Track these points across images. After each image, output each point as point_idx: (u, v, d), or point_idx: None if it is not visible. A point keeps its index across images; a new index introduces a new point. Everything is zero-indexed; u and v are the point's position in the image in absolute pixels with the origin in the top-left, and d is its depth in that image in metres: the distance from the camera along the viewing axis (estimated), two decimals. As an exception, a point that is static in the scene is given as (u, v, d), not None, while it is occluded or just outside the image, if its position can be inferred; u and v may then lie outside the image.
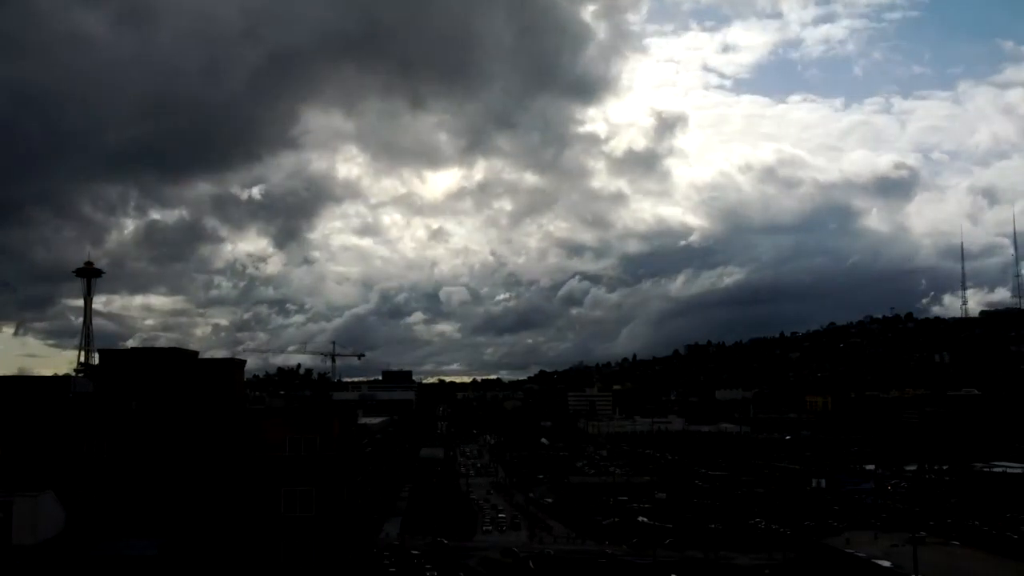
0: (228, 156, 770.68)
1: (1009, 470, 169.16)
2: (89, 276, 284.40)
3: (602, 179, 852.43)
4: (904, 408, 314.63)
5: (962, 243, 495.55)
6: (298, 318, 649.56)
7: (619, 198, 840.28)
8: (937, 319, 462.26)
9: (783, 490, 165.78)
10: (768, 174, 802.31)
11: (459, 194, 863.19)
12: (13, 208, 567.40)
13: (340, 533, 46.22)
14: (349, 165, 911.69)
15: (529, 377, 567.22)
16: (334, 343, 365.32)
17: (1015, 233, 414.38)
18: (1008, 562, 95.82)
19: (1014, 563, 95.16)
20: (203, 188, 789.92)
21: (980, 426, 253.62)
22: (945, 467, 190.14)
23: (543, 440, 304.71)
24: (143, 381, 51.96)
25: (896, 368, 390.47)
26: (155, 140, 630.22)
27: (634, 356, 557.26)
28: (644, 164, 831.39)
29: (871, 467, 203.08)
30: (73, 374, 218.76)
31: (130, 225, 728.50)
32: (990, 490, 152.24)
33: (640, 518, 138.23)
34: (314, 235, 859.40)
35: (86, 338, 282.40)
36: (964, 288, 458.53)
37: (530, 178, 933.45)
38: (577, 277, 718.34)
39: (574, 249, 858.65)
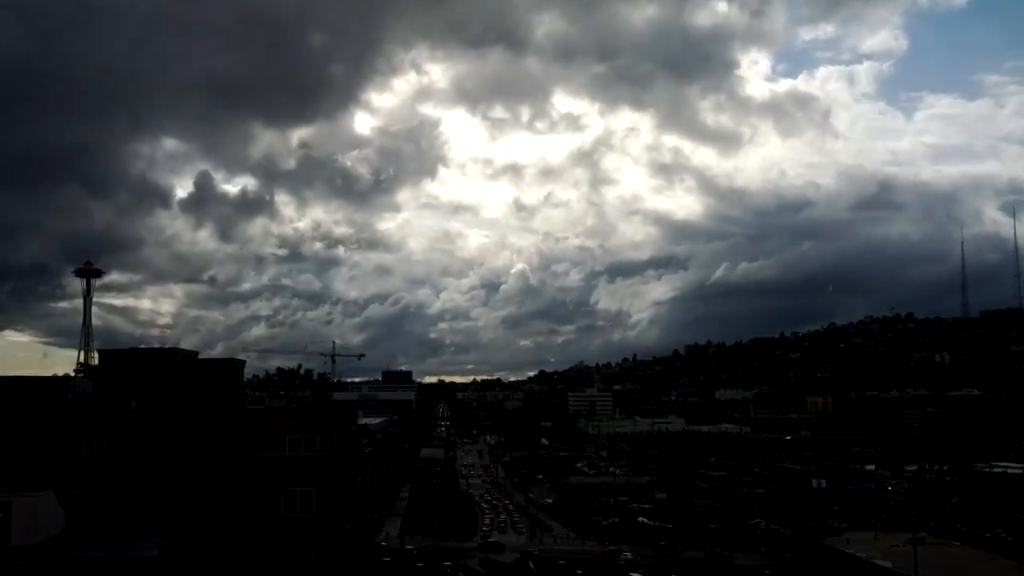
0: (311, 107, 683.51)
1: (1009, 470, 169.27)
2: (89, 276, 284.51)
3: (754, 145, 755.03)
4: (904, 408, 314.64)
5: (962, 243, 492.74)
6: (321, 313, 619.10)
7: (763, 170, 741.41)
8: (937, 319, 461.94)
9: (784, 490, 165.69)
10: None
11: (574, 160, 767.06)
12: (44, 165, 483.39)
13: (340, 533, 46.16)
14: (451, 126, 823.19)
15: (529, 377, 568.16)
16: (334, 343, 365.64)
17: (1015, 232, 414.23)
18: (1008, 562, 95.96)
19: (1014, 563, 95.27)
20: (275, 145, 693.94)
21: (980, 426, 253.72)
22: (945, 467, 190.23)
23: (543, 440, 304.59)
24: (143, 381, 51.94)
25: (896, 368, 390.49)
26: (230, 82, 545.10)
27: (634, 356, 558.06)
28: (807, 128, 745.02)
29: (871, 467, 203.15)
30: (73, 374, 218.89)
31: (178, 199, 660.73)
32: (990, 490, 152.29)
33: (640, 518, 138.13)
34: (391, 213, 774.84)
35: (86, 338, 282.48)
36: (964, 288, 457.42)
37: (670, 140, 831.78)
38: (665, 260, 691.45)
39: (679, 229, 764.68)
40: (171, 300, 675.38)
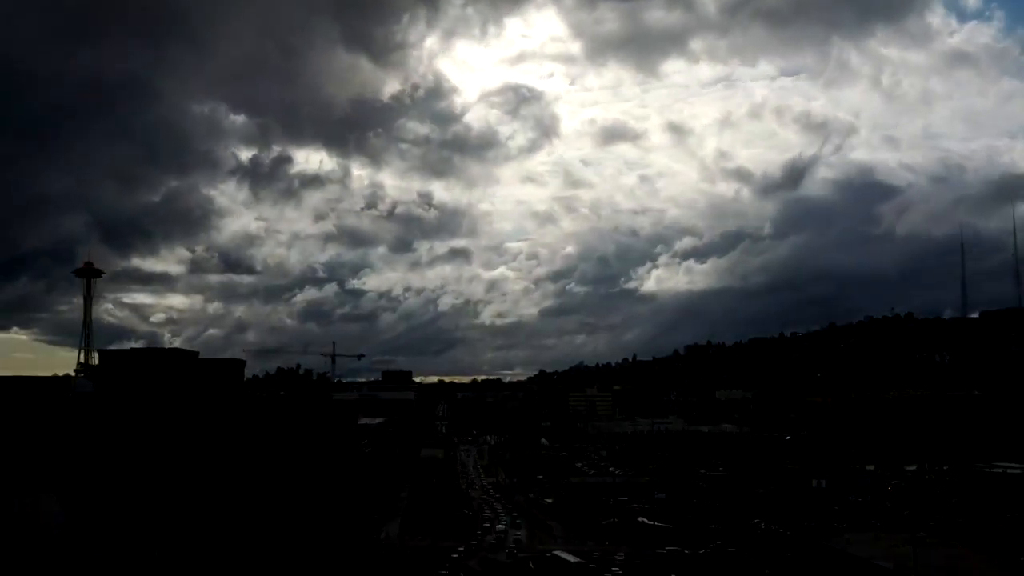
0: (407, 53, 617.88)
1: (1009, 470, 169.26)
2: (89, 276, 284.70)
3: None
4: (904, 408, 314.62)
5: (962, 242, 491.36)
6: (357, 308, 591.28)
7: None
8: (937, 319, 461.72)
9: (783, 490, 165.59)
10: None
11: (703, 128, 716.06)
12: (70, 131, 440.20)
13: (340, 533, 46.20)
14: (565, 91, 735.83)
15: (529, 377, 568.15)
16: (334, 343, 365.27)
17: (1015, 230, 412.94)
18: (1008, 562, 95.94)
19: (1014, 563, 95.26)
20: (361, 91, 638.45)
21: (980, 426, 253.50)
22: (945, 467, 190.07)
23: (543, 440, 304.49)
24: (143, 381, 51.94)
25: (896, 368, 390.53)
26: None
27: (634, 356, 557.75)
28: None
29: (871, 467, 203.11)
30: (73, 374, 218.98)
31: (233, 166, 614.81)
32: (990, 490, 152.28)
33: (640, 518, 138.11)
34: (482, 189, 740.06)
35: (86, 338, 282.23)
36: (964, 288, 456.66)
37: (817, 105, 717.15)
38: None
39: (797, 206, 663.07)
40: (202, 293, 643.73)
